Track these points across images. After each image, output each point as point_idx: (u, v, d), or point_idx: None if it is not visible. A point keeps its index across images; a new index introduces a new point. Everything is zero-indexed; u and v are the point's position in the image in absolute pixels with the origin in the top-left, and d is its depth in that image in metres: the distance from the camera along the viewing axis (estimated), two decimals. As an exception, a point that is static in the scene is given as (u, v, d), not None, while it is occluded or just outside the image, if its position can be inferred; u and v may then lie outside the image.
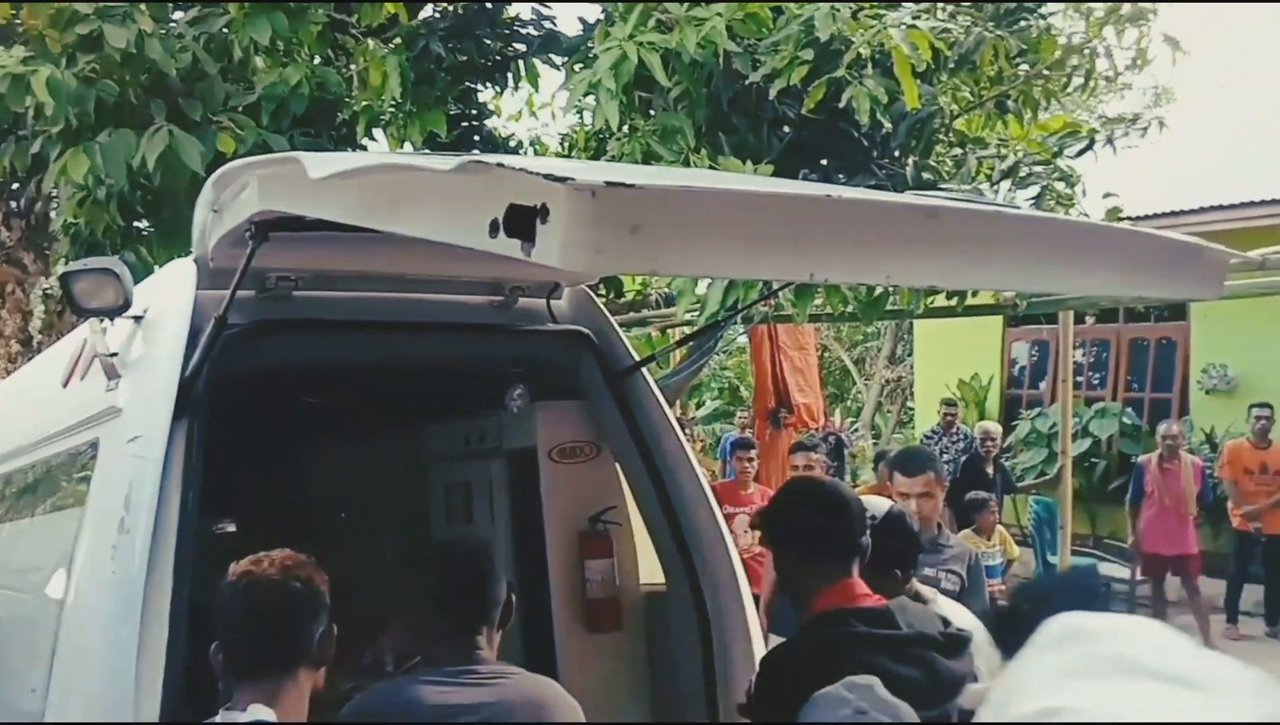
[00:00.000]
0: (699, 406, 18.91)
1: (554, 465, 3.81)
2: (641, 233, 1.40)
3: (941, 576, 4.46)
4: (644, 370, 3.77)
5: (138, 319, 2.86)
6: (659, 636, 3.84)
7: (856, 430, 16.28)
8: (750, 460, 8.19)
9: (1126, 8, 6.98)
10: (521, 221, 1.42)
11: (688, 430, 8.19)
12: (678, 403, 9.97)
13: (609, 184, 1.31)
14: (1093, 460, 12.92)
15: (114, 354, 2.81)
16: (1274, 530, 10.25)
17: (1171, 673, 1.34)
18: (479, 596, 2.77)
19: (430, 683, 2.65)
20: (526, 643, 3.82)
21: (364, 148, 7.02)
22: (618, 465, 3.84)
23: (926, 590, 3.23)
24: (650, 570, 3.87)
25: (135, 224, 6.77)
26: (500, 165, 1.41)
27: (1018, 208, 1.97)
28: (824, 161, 6.68)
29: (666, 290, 7.49)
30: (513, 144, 7.73)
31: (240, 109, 6.36)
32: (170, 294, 2.92)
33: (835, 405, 16.89)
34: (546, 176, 1.33)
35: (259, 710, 2.33)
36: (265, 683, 2.39)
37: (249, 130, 6.12)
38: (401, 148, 6.60)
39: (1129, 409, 13.49)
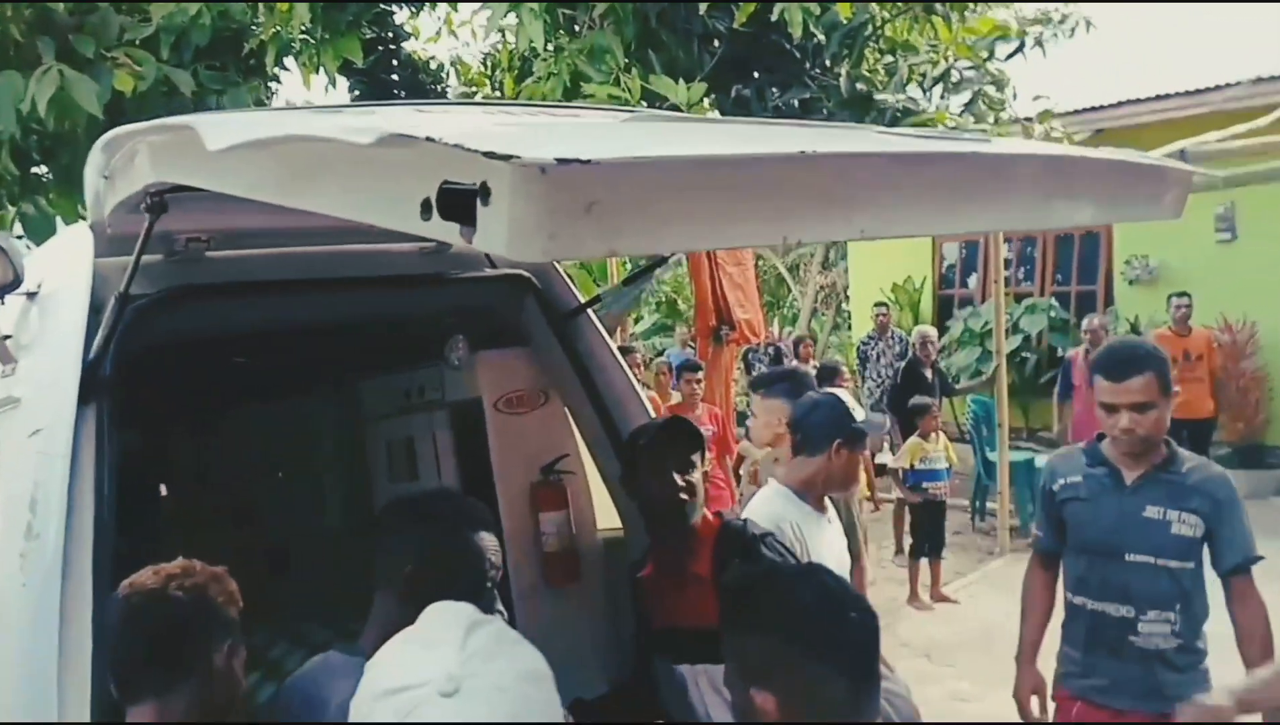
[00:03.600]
0: (637, 321, 18.63)
1: (500, 416, 3.53)
2: (597, 211, 1.13)
3: (1181, 518, 3.20)
4: (589, 310, 3.51)
5: (31, 296, 2.51)
6: (620, 584, 3.62)
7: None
8: (698, 382, 8.00)
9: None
10: (458, 202, 1.15)
11: (632, 352, 7.86)
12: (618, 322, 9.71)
13: (561, 161, 1.03)
14: (1024, 355, 12.91)
15: (7, 337, 2.46)
16: (1193, 415, 10.20)
17: None
18: (477, 567, 2.24)
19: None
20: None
21: (276, 79, 6.53)
22: (568, 412, 3.59)
23: None
24: (607, 516, 3.65)
25: (32, 170, 6.18)
26: (429, 140, 1.13)
27: (987, 139, 1.75)
28: (756, 75, 6.38)
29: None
30: (433, 66, 7.29)
31: (137, 43, 5.76)
32: (66, 266, 2.56)
33: (772, 313, 16.61)
34: (487, 154, 1.06)
35: None
36: (149, 706, 2.02)
37: (148, 66, 5.55)
38: (316, 75, 6.14)
39: (1056, 303, 13.47)
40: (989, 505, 9.90)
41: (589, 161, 1.04)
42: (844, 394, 3.45)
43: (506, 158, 1.04)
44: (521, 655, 1.43)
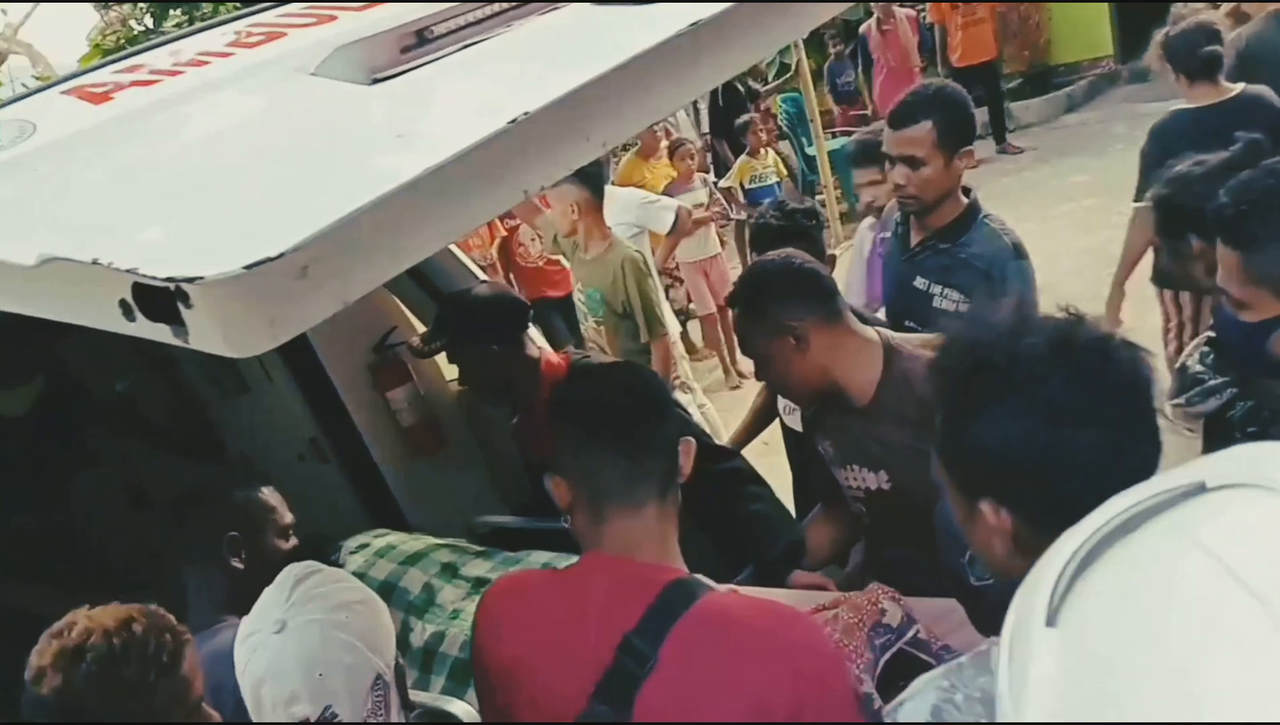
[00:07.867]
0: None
1: (307, 309, 3.32)
2: (315, 272, 1.00)
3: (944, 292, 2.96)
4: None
5: None
6: (488, 429, 3.53)
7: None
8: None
9: None
10: (159, 302, 1.00)
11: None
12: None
13: (249, 267, 0.89)
14: (819, 34, 12.73)
15: None
16: (981, 58, 10.47)
17: None
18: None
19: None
20: (360, 494, 3.41)
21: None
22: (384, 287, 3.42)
23: None
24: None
25: None
26: (95, 262, 0.96)
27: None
28: None
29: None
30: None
31: None
32: None
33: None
34: (168, 280, 0.91)
35: None
36: None
37: None
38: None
39: (838, -23, 13.24)
40: (818, 199, 9.96)
41: (280, 256, 0.90)
42: None
43: (191, 280, 0.90)
44: (335, 592, 1.69)
